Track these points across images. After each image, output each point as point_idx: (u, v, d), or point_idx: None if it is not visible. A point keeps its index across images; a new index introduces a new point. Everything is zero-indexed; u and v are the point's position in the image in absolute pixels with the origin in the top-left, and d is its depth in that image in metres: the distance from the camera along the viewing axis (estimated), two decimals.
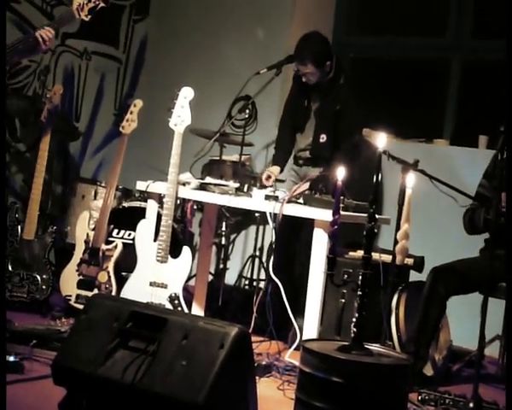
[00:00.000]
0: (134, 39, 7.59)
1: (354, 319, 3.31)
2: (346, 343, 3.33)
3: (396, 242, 3.83)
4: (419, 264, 4.83)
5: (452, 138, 6.40)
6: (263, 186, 5.15)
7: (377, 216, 3.40)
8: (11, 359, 3.85)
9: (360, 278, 3.33)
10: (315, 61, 5.25)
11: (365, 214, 3.45)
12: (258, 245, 6.35)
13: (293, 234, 5.33)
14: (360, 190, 4.50)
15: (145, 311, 3.25)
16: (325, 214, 4.34)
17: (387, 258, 4.40)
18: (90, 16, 4.78)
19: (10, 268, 5.28)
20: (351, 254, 4.87)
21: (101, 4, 4.80)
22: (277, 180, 5.47)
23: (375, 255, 4.01)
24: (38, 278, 5.29)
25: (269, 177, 5.35)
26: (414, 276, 4.97)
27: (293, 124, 5.60)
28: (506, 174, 3.89)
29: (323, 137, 5.39)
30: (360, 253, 4.27)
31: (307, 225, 4.76)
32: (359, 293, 3.32)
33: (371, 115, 6.03)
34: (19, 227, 5.35)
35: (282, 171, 5.56)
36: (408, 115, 6.67)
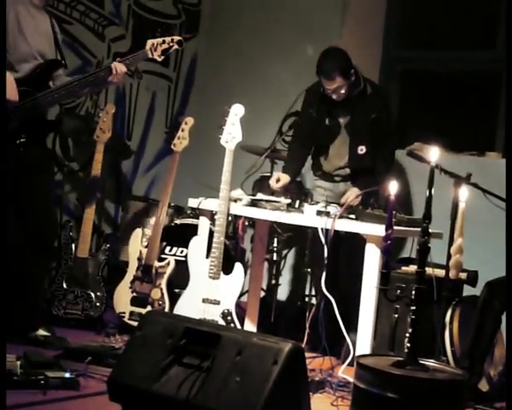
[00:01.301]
0: (184, 57, 7.64)
1: (408, 334, 3.30)
2: (401, 359, 3.31)
3: (449, 256, 3.80)
4: (473, 278, 4.78)
5: (505, 151, 6.32)
6: (265, 190, 5.21)
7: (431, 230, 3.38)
8: (67, 375, 3.88)
9: (413, 292, 3.32)
10: (342, 72, 5.15)
11: (418, 229, 3.43)
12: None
13: (341, 248, 5.29)
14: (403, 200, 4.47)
15: (199, 327, 3.26)
16: (377, 229, 4.32)
17: (440, 272, 4.36)
18: (163, 57, 4.81)
19: (65, 286, 5.33)
20: (403, 268, 4.83)
21: (175, 47, 4.81)
22: (299, 193, 5.40)
23: (429, 270, 3.98)
24: (92, 295, 5.34)
25: (278, 180, 5.31)
26: (467, 290, 4.92)
27: (312, 144, 5.53)
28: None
29: (362, 149, 5.33)
30: (413, 268, 4.26)
31: (349, 238, 4.77)
32: (413, 308, 3.31)
33: (421, 129, 5.99)
34: (73, 245, 5.40)
35: (291, 181, 5.44)
36: (459, 128, 6.61)
